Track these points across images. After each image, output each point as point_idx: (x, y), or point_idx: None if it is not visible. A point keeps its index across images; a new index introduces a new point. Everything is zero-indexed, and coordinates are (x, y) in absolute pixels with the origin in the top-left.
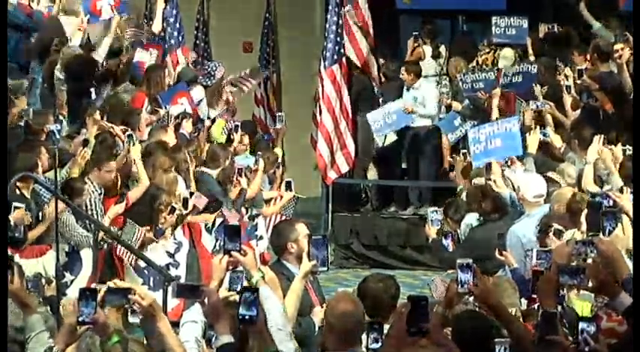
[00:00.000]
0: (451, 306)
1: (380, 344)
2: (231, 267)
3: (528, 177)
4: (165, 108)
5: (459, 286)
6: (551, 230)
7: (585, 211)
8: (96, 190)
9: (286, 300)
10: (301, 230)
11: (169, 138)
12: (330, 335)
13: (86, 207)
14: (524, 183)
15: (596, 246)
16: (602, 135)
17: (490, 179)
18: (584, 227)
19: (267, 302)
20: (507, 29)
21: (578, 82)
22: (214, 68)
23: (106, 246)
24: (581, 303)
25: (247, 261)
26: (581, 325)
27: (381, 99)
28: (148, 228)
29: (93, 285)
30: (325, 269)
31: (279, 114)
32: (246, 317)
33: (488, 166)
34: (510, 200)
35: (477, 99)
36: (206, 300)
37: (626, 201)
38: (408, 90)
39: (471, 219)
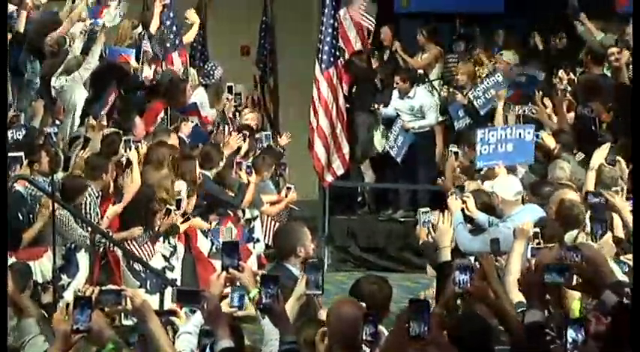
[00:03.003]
0: (449, 307)
1: (374, 338)
2: (228, 284)
3: (502, 180)
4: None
5: (457, 287)
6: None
7: (588, 213)
8: (94, 193)
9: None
10: (308, 234)
11: (173, 141)
12: (334, 341)
13: (83, 209)
14: (502, 186)
15: (581, 251)
16: (610, 143)
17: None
18: (588, 228)
19: (266, 324)
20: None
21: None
22: (214, 68)
23: (102, 249)
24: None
25: (244, 277)
26: (570, 332)
27: (382, 105)
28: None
29: (85, 287)
30: (320, 293)
31: (266, 133)
32: (266, 305)
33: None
34: (489, 222)
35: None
36: (206, 305)
37: (620, 200)
38: (402, 98)
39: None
